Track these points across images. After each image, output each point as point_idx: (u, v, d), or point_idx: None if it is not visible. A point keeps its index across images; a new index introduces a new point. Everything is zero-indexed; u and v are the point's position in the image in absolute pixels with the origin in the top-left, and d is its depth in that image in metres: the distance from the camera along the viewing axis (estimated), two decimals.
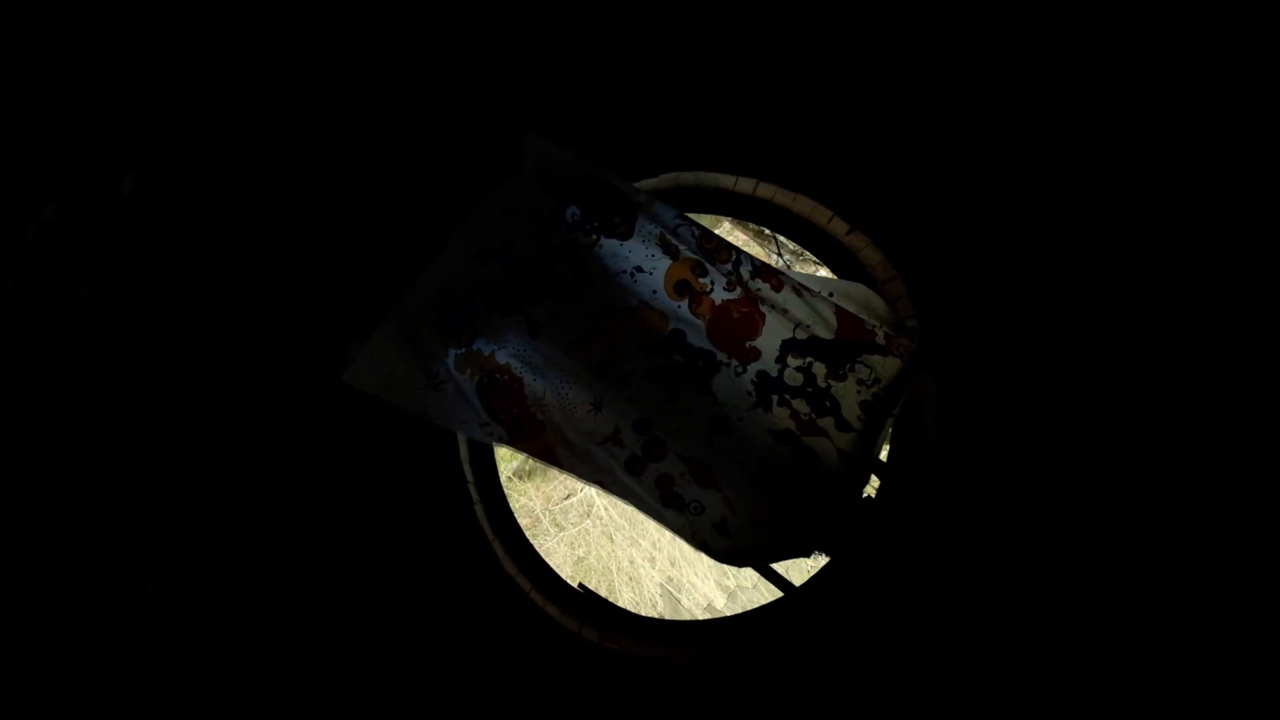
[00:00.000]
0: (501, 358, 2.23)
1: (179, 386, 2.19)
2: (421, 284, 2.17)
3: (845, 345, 2.33)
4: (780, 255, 9.10)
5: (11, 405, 2.07)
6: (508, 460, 10.53)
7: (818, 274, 2.35)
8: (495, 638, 2.29)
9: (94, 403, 2.12)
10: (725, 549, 2.31)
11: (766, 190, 2.47)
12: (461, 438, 2.38)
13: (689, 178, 2.46)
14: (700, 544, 2.33)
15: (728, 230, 11.47)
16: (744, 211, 2.61)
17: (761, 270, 2.30)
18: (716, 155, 2.37)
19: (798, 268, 9.74)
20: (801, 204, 2.46)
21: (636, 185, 2.28)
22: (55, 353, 2.09)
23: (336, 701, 2.26)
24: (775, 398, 2.32)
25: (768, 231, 2.55)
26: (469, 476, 2.39)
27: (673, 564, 11.43)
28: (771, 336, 2.33)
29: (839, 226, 2.46)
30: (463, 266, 2.20)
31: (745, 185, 2.47)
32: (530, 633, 2.30)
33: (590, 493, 11.31)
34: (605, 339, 2.25)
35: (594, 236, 2.24)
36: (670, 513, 2.30)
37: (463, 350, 2.20)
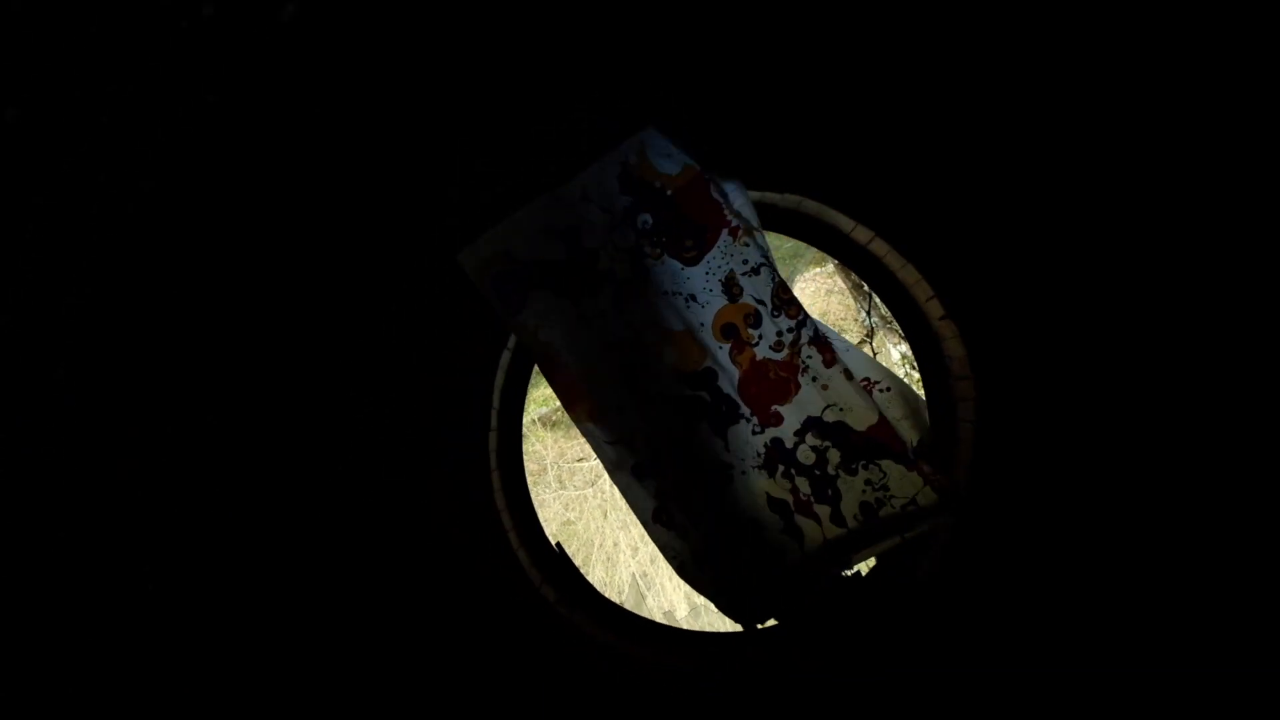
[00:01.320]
0: (544, 335, 2.27)
1: (179, 386, 2.23)
2: (483, 243, 2.23)
3: (871, 443, 2.30)
4: (869, 315, 8.97)
5: (11, 405, 2.15)
6: (538, 404, 10.64)
7: (895, 351, 2.30)
8: (464, 560, 2.32)
9: (94, 403, 2.17)
10: (698, 579, 2.32)
11: (880, 247, 2.43)
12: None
13: (811, 206, 2.43)
14: (678, 565, 2.35)
15: (830, 272, 11.37)
16: (850, 260, 2.57)
17: (820, 341, 2.29)
18: (846, 194, 2.33)
19: (880, 335, 9.59)
20: (908, 274, 2.42)
21: (757, 194, 2.27)
22: (55, 353, 2.15)
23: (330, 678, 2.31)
24: (782, 467, 2.30)
25: (866, 288, 2.50)
26: (495, 404, 2.42)
27: (652, 561, 11.44)
28: (799, 408, 2.30)
29: (935, 309, 2.41)
30: (530, 236, 2.24)
31: (861, 235, 2.44)
32: (494, 569, 2.32)
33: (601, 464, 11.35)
34: (642, 352, 2.27)
35: (659, 251, 2.25)
36: (659, 527, 2.33)
37: (513, 317, 2.26)
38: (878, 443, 2.30)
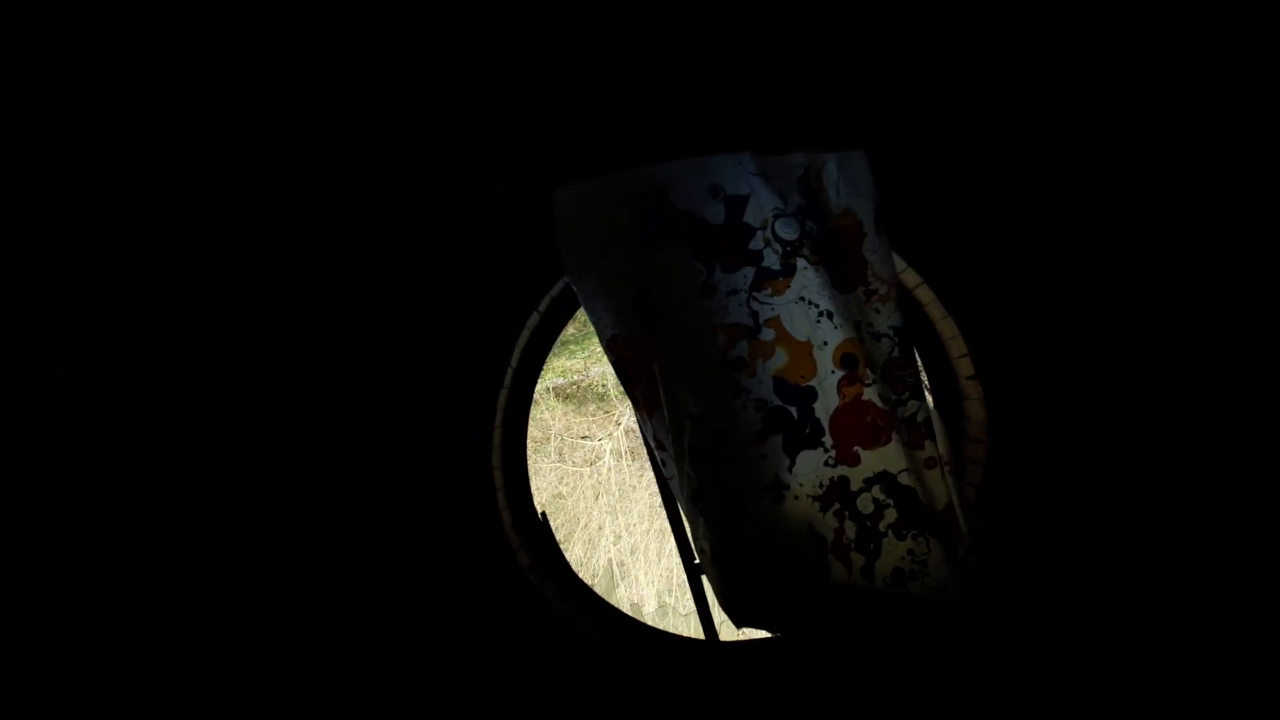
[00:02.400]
0: (659, 290, 2.19)
1: (179, 386, 2.23)
2: (650, 173, 2.18)
3: (930, 518, 2.25)
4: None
5: (11, 405, 2.16)
6: (556, 373, 10.66)
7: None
8: (447, 510, 2.33)
9: (94, 403, 2.19)
10: (711, 572, 2.27)
11: (925, 294, 2.42)
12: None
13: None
14: (699, 550, 2.31)
15: None
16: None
17: (914, 426, 2.26)
18: (906, 234, 2.32)
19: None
20: (947, 326, 2.40)
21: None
22: (55, 353, 2.17)
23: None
24: (837, 505, 2.23)
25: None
26: (513, 362, 2.43)
27: (631, 552, 11.45)
28: (880, 459, 2.23)
29: (965, 367, 2.39)
30: (694, 188, 2.18)
31: (910, 278, 2.42)
32: (474, 526, 2.33)
33: (605, 447, 11.36)
34: (752, 344, 2.19)
35: (817, 258, 2.20)
36: (694, 511, 2.24)
37: (649, 255, 2.19)
38: (939, 521, 2.25)
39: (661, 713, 2.31)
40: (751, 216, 2.18)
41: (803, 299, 2.19)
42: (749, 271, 2.18)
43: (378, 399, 2.28)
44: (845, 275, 2.23)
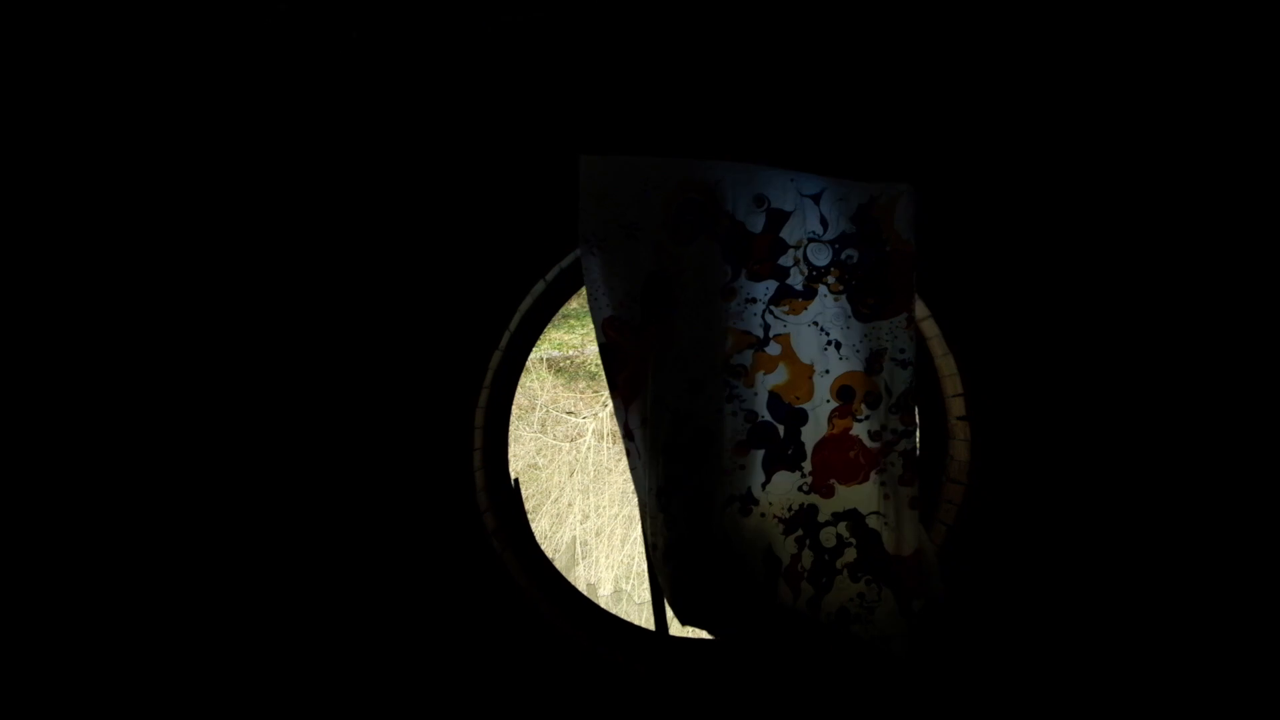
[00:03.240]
0: (680, 282, 2.19)
1: (178, 386, 2.24)
2: (700, 166, 2.18)
3: (888, 567, 2.26)
4: None
5: (11, 405, 2.17)
6: (552, 345, 10.64)
7: None
8: (424, 463, 2.32)
9: (94, 403, 2.20)
10: (664, 570, 2.26)
11: (930, 328, 2.41)
12: None
13: None
14: (650, 546, 2.31)
15: None
16: None
17: (910, 459, 2.27)
18: (924, 265, 2.31)
19: None
20: (946, 364, 2.40)
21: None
22: (55, 352, 2.18)
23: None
24: (800, 532, 2.25)
25: None
26: (511, 326, 2.42)
27: (597, 534, 11.50)
28: (853, 497, 2.26)
29: (957, 407, 2.38)
30: (742, 192, 2.19)
31: (919, 309, 2.41)
32: (446, 482, 2.32)
33: (588, 425, 11.38)
34: (760, 358, 2.22)
35: (841, 288, 2.22)
36: (655, 506, 2.22)
37: (680, 246, 2.19)
38: (895, 572, 2.26)
39: (600, 697, 2.31)
40: (788, 234, 2.21)
41: (815, 324, 2.22)
42: (772, 285, 2.20)
43: (373, 344, 2.28)
44: (887, 302, 2.23)
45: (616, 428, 11.32)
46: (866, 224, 2.22)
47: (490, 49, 2.25)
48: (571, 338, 10.74)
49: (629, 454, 2.28)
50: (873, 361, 2.24)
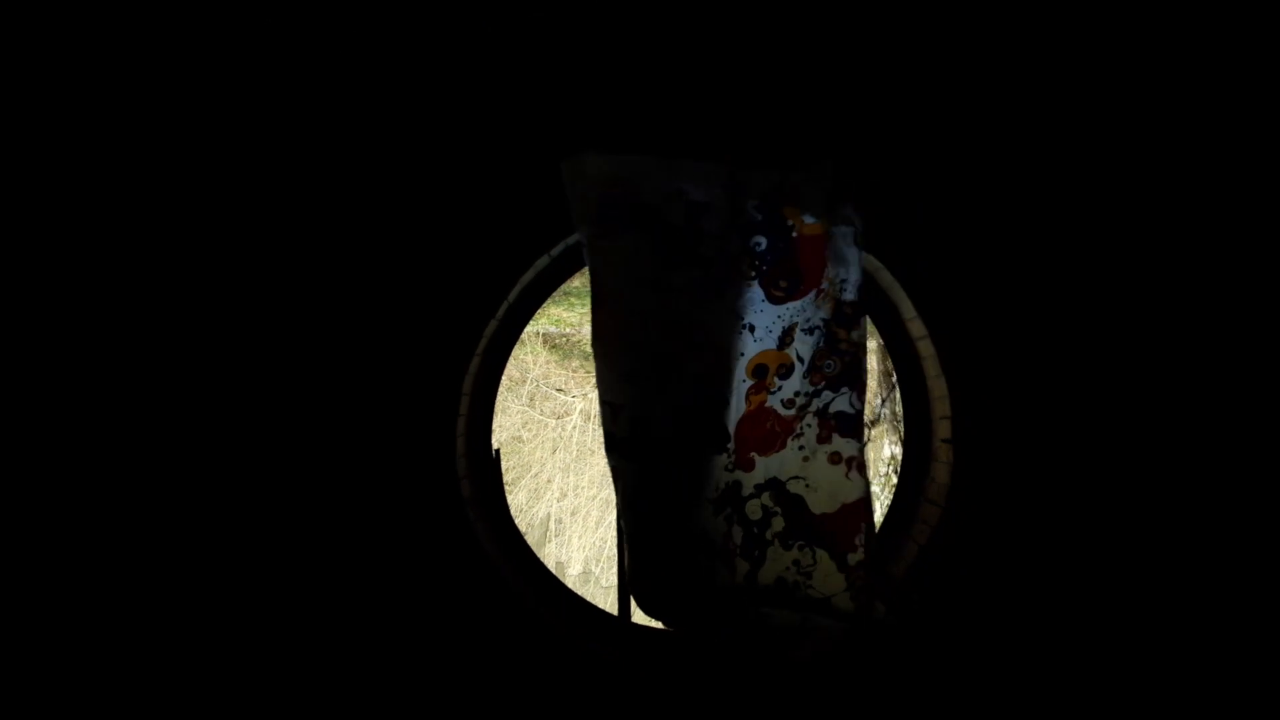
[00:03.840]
0: (610, 272, 2.20)
1: (177, 386, 2.23)
2: (623, 162, 2.18)
3: (818, 529, 2.29)
4: (883, 405, 8.92)
5: (11, 405, 2.16)
6: (550, 321, 10.63)
7: (889, 448, 2.30)
8: (403, 424, 2.32)
9: (94, 403, 2.19)
10: (626, 555, 2.29)
11: (927, 349, 2.42)
12: None
13: (886, 278, 2.42)
14: (619, 530, 2.35)
15: (871, 348, 11.29)
16: (894, 346, 2.56)
17: (826, 416, 2.30)
18: (926, 287, 2.32)
19: (883, 428, 9.54)
20: (938, 386, 2.40)
21: None
22: (55, 352, 2.17)
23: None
24: (729, 510, 2.28)
25: (894, 379, 2.52)
26: (510, 297, 2.42)
27: (572, 513, 11.52)
28: (772, 466, 2.30)
29: (944, 429, 2.39)
30: (662, 185, 2.19)
31: (916, 329, 2.42)
32: (427, 444, 2.32)
33: (576, 405, 11.39)
34: (681, 346, 2.21)
35: (753, 274, 2.22)
36: (618, 480, 2.26)
37: (598, 239, 2.19)
38: (825, 531, 2.29)
39: (557, 673, 2.32)
40: (709, 223, 2.20)
41: (731, 310, 2.21)
42: (695, 275, 2.20)
43: (372, 305, 2.28)
44: (798, 284, 2.23)
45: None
46: (771, 208, 2.21)
47: (500, 29, 2.25)
48: (570, 315, 10.74)
49: (608, 445, 2.30)
50: (784, 337, 2.25)
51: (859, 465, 2.30)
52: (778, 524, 2.29)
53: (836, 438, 2.30)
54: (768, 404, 2.28)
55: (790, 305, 2.24)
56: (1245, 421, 2.26)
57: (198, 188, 2.24)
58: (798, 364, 2.27)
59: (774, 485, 2.30)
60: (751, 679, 2.33)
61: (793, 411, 2.29)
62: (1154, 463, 2.28)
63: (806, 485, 2.30)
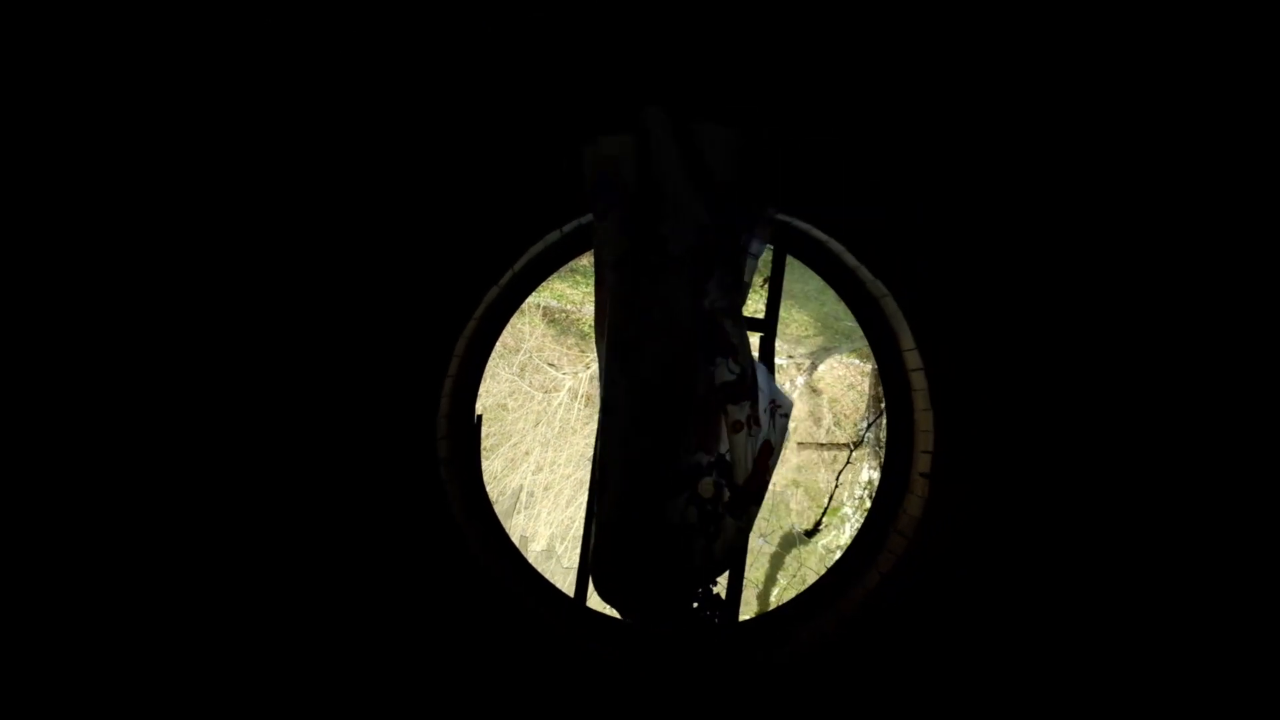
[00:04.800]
0: (601, 258, 2.25)
1: (175, 385, 2.24)
2: (619, 143, 2.19)
3: (746, 493, 2.31)
4: (868, 429, 8.95)
5: (11, 405, 2.16)
6: (553, 294, 10.61)
7: (867, 472, 2.30)
8: (389, 377, 2.32)
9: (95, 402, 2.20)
10: (595, 539, 2.33)
11: (919, 381, 2.42)
12: None
13: (890, 305, 2.42)
14: (589, 503, 2.38)
15: (865, 370, 11.34)
16: (888, 374, 2.56)
17: (729, 387, 2.29)
18: (929, 319, 2.32)
19: (865, 451, 9.58)
20: (924, 420, 2.41)
21: (855, 260, 2.26)
22: (55, 353, 2.17)
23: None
24: (687, 492, 2.29)
25: (883, 405, 2.55)
26: (516, 267, 2.41)
27: (545, 489, 11.54)
28: (721, 443, 2.33)
29: (923, 463, 2.40)
30: (634, 161, 2.19)
31: (912, 361, 2.42)
32: (410, 398, 2.32)
33: (565, 382, 11.38)
34: (644, 328, 2.22)
35: (701, 249, 2.23)
36: (603, 480, 2.30)
37: (595, 222, 2.23)
38: (751, 491, 2.32)
39: (509, 639, 2.33)
40: (663, 201, 2.20)
41: (693, 291, 2.21)
42: (656, 255, 2.20)
43: (382, 258, 2.30)
44: (725, 260, 2.25)
45: (591, 392, 11.37)
46: (689, 164, 2.20)
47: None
48: (574, 292, 10.72)
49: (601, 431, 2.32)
50: (727, 313, 2.26)
51: (753, 419, 2.30)
52: (726, 495, 2.32)
53: (730, 407, 2.29)
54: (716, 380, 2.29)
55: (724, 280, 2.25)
56: (1225, 477, 2.26)
57: (189, 155, 2.25)
58: (741, 348, 2.28)
59: (720, 462, 2.32)
60: (727, 679, 2.35)
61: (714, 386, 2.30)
62: (1128, 534, 2.28)
63: (730, 459, 2.31)
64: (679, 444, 2.26)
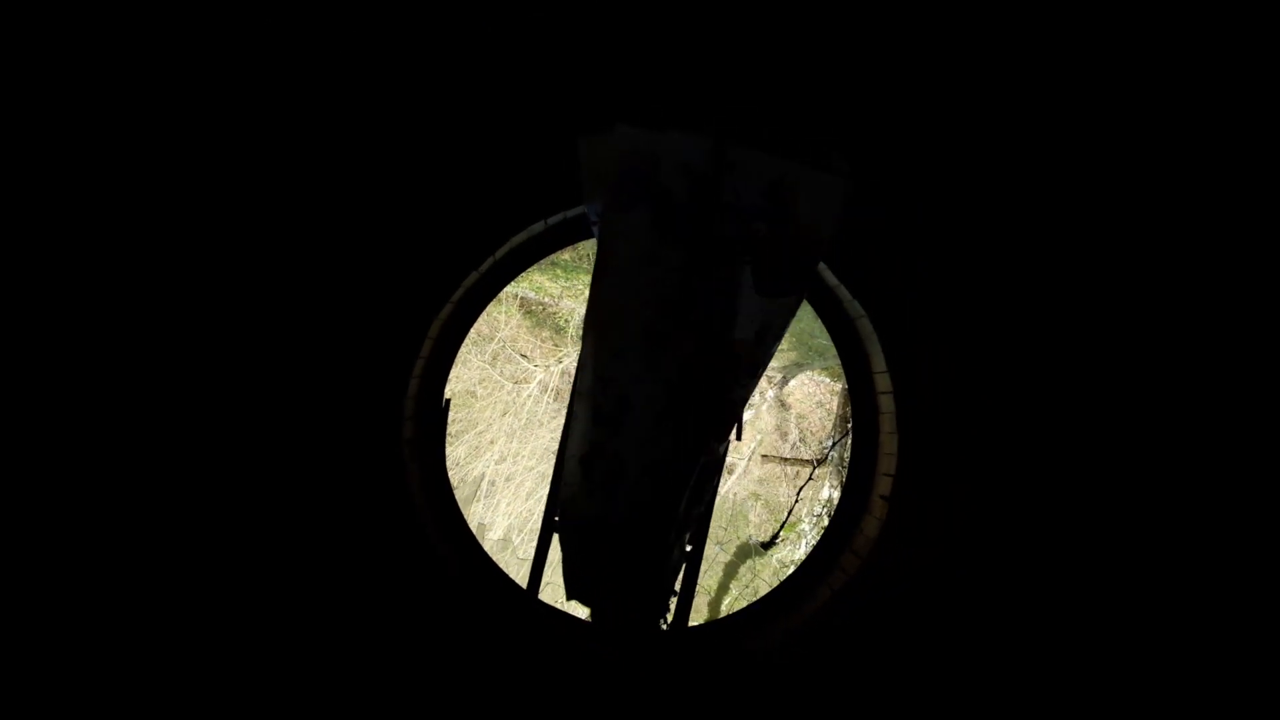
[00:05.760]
0: (608, 249, 2.19)
1: (174, 385, 2.23)
2: (651, 138, 2.15)
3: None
4: (833, 447, 9.01)
5: (11, 405, 2.14)
6: (531, 286, 10.58)
7: (827, 490, 2.32)
8: (361, 353, 2.30)
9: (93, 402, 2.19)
10: (565, 531, 2.34)
11: (887, 404, 2.44)
12: None
13: (866, 327, 2.44)
14: (563, 509, 2.37)
15: (834, 390, 11.42)
16: (856, 396, 2.58)
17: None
18: (901, 347, 2.34)
19: (827, 470, 9.64)
20: (889, 443, 2.43)
21: (835, 279, 2.26)
22: (55, 353, 2.16)
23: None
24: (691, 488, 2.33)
25: (849, 426, 2.55)
26: (498, 254, 2.40)
27: (507, 479, 11.50)
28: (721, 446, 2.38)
29: (883, 485, 2.42)
30: (674, 159, 2.17)
31: (881, 384, 2.44)
32: (380, 378, 2.32)
33: (537, 375, 11.35)
34: (676, 325, 2.21)
35: (749, 258, 2.22)
36: (578, 469, 2.29)
37: (604, 213, 2.19)
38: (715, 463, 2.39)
39: (459, 623, 2.32)
40: (711, 202, 2.18)
41: (724, 292, 2.21)
42: (695, 252, 2.19)
43: (360, 236, 2.29)
44: (783, 281, 2.23)
45: (561, 387, 11.35)
46: (775, 199, 2.20)
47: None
48: (553, 285, 10.69)
49: (574, 423, 2.30)
50: (762, 334, 2.24)
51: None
52: (710, 488, 2.38)
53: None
54: (733, 396, 2.27)
55: (773, 301, 2.24)
56: (1186, 516, 2.29)
57: (172, 144, 2.22)
58: (761, 367, 2.28)
59: (717, 464, 2.36)
60: (703, 668, 2.36)
61: (740, 410, 2.31)
62: (1081, 572, 2.32)
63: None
64: (700, 448, 2.25)
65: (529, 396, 11.44)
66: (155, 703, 2.24)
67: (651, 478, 2.25)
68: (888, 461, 2.44)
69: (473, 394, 11.37)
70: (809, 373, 10.96)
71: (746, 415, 2.34)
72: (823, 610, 2.41)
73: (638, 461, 2.24)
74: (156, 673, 2.24)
